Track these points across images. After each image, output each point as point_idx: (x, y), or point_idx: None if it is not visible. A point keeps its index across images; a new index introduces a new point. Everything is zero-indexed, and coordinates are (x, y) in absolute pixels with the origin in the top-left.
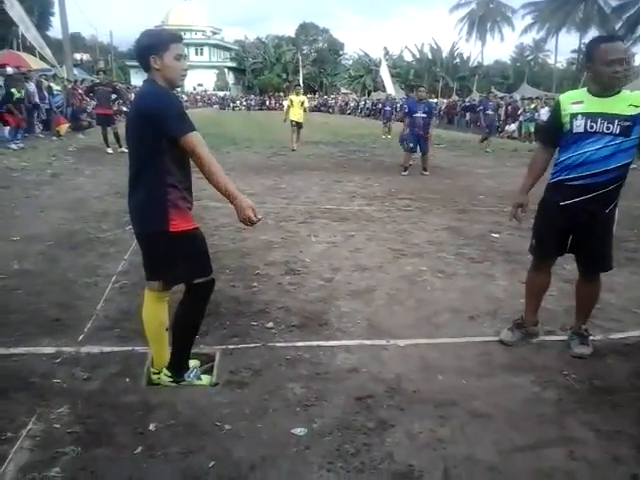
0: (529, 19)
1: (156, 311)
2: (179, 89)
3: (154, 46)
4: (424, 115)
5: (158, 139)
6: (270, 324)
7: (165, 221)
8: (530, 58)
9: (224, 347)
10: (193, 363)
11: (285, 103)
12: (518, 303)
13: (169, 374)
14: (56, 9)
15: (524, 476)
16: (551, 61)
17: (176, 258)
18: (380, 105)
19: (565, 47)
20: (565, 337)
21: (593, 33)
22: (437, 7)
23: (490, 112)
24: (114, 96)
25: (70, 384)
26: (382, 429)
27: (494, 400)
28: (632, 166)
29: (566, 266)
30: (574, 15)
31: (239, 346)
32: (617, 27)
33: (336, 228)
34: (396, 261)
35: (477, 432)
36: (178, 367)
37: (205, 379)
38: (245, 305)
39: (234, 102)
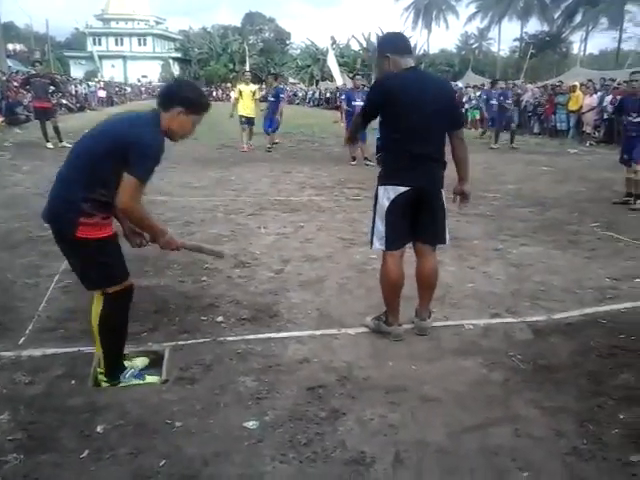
0: (473, 8)
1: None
2: (120, 81)
3: (193, 103)
4: (361, 103)
5: (115, 162)
6: (220, 318)
7: (73, 227)
8: (475, 46)
9: (174, 343)
10: (140, 361)
11: (232, 94)
12: (467, 288)
13: (104, 378)
14: None
15: (472, 456)
16: (495, 49)
17: (85, 264)
18: (337, 94)
19: (508, 35)
20: (512, 320)
21: (534, 22)
22: None
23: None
24: (52, 88)
25: (11, 390)
26: (334, 418)
27: (443, 384)
28: (572, 150)
29: (513, 250)
30: (515, 4)
31: (189, 342)
32: (556, 16)
33: (286, 219)
34: (346, 250)
35: (427, 416)
36: (111, 369)
37: (150, 378)
38: (194, 300)
39: None
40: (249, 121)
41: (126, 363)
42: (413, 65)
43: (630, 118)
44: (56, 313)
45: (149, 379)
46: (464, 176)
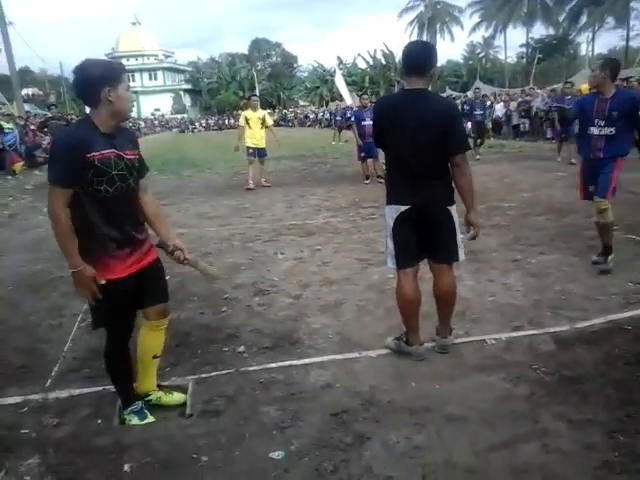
0: (476, 18)
1: (140, 338)
2: (134, 116)
3: (107, 78)
4: (371, 122)
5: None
6: (241, 348)
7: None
8: (482, 55)
9: (196, 377)
10: (178, 397)
11: (239, 122)
12: (486, 301)
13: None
14: (0, 44)
15: (501, 474)
16: (502, 56)
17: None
18: (332, 115)
19: (514, 42)
20: (534, 331)
21: (539, 27)
22: (383, 12)
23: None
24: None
25: (39, 433)
26: (359, 443)
27: (468, 402)
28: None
29: (531, 260)
30: (519, 11)
31: (211, 374)
32: (561, 19)
33: (302, 243)
34: (364, 271)
35: (453, 435)
36: (121, 400)
37: (150, 418)
38: (215, 331)
39: (193, 124)
40: (259, 153)
41: (162, 397)
42: (416, 87)
43: (593, 129)
44: (81, 353)
45: (148, 419)
46: (468, 206)
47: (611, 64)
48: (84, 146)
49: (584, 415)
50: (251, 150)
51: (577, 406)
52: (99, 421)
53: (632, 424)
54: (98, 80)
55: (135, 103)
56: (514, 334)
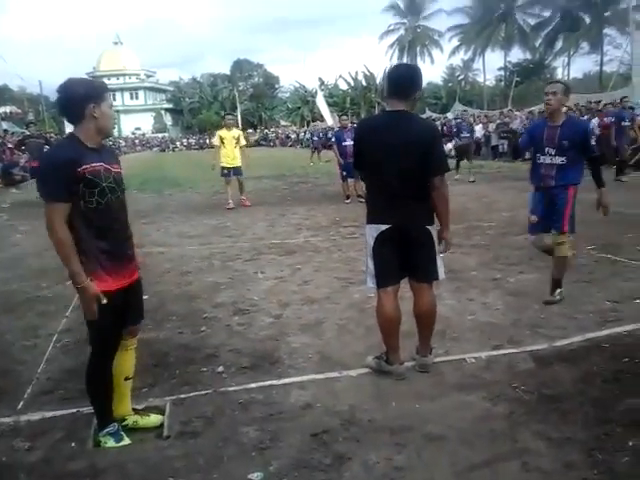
0: (456, 41)
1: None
2: (115, 135)
3: (91, 95)
4: (352, 142)
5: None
6: (220, 368)
7: None
8: (461, 78)
9: (174, 397)
10: (155, 419)
11: (214, 141)
12: (466, 320)
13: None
14: None
15: None
16: (480, 79)
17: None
18: (309, 135)
19: (492, 65)
20: (514, 350)
21: (516, 51)
22: (364, 35)
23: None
24: (47, 147)
25: (10, 457)
26: (339, 463)
27: (448, 421)
28: None
29: (511, 279)
30: (497, 35)
31: (190, 395)
32: (537, 44)
33: (283, 262)
34: (344, 290)
35: (433, 455)
36: (97, 421)
37: (126, 440)
38: (194, 351)
39: (174, 143)
40: (235, 171)
41: (138, 421)
42: (396, 109)
43: (544, 158)
44: (55, 374)
45: (124, 441)
46: (443, 225)
47: (568, 87)
48: (74, 161)
49: (563, 433)
50: (226, 170)
51: (556, 424)
52: (73, 444)
53: (610, 442)
54: (82, 97)
55: (116, 122)
56: (494, 353)
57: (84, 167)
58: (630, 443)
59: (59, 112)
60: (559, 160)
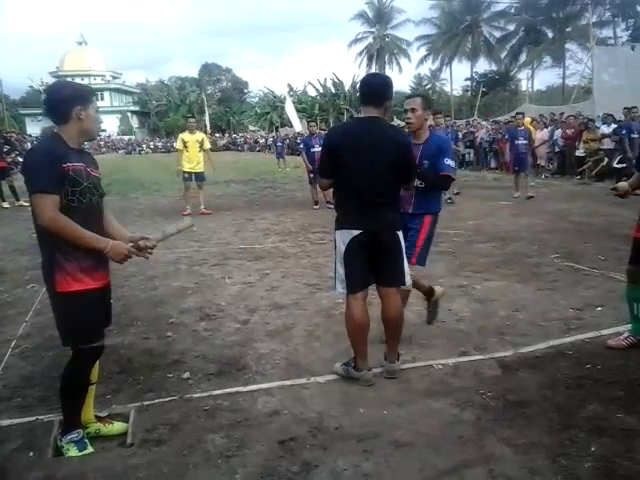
0: (423, 51)
1: None
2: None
3: (79, 97)
4: (320, 149)
5: None
6: (186, 374)
7: (52, 281)
8: (428, 87)
9: (139, 404)
10: (119, 426)
11: (176, 145)
12: (433, 327)
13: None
14: None
15: None
16: (448, 89)
17: (61, 319)
18: (272, 141)
19: (459, 75)
20: (480, 357)
21: (483, 62)
22: (333, 42)
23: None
24: (7, 147)
25: None
26: (306, 471)
27: (415, 427)
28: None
29: (477, 286)
30: (463, 46)
31: (155, 401)
32: (502, 56)
33: (251, 267)
34: (312, 296)
35: (401, 462)
36: (64, 426)
37: (89, 449)
38: (159, 357)
39: (140, 146)
40: (197, 177)
41: (101, 429)
42: (370, 115)
43: None
44: (13, 381)
45: (87, 450)
46: None
47: (428, 100)
48: (59, 156)
49: (529, 439)
50: (187, 175)
51: (522, 430)
52: (31, 454)
53: (573, 447)
54: (70, 98)
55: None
56: (461, 359)
57: (68, 164)
58: (592, 449)
59: (45, 112)
60: (418, 182)
